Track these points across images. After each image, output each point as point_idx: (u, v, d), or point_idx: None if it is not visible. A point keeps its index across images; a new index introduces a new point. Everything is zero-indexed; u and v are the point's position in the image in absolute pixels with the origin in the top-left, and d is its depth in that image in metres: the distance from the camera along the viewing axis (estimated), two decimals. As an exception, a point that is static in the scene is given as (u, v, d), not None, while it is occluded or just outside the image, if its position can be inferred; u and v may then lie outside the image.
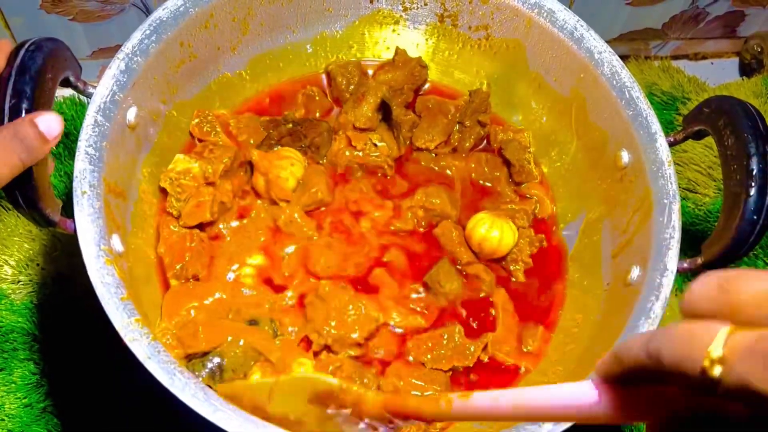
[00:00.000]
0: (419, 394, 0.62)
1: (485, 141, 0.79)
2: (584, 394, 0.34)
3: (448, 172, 0.76)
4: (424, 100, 0.79)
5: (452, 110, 0.77)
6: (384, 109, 0.76)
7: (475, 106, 0.76)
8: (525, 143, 0.77)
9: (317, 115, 0.77)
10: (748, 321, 0.26)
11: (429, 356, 0.64)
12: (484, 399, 0.38)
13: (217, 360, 0.61)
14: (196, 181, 0.67)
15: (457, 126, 0.77)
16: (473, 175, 0.76)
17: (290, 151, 0.71)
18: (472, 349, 0.65)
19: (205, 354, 0.61)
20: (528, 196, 0.76)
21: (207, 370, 0.61)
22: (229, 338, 0.62)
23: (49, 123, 0.50)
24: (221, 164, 0.68)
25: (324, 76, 0.80)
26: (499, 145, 0.78)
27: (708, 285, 0.27)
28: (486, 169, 0.77)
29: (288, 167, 0.69)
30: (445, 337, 0.65)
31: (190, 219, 0.66)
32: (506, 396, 0.37)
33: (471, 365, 0.65)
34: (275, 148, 0.72)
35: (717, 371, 0.25)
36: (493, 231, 0.69)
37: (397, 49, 0.79)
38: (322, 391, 0.49)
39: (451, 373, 0.65)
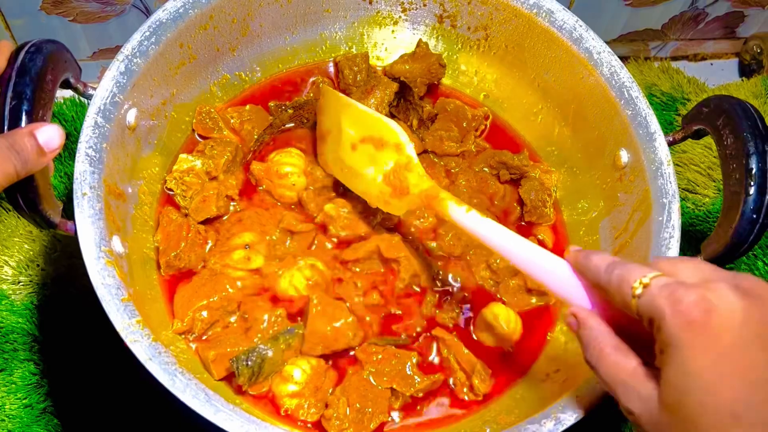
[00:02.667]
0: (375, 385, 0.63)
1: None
2: (560, 265, 0.50)
3: (463, 182, 0.75)
4: (444, 102, 0.78)
5: (469, 118, 0.77)
6: (400, 95, 0.76)
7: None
8: (548, 184, 0.75)
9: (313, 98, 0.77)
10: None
11: (373, 369, 0.63)
12: (493, 229, 0.56)
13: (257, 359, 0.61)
14: (199, 178, 0.68)
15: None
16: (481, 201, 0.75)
17: (290, 164, 0.70)
18: (416, 382, 0.63)
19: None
20: (534, 234, 0.74)
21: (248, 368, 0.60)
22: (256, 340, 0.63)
23: (50, 135, 0.50)
24: (222, 158, 0.69)
25: (332, 69, 0.81)
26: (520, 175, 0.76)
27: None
28: (496, 202, 0.75)
29: (289, 185, 0.70)
30: (397, 356, 0.64)
31: (197, 215, 0.67)
32: (505, 235, 0.55)
33: (407, 394, 0.63)
34: (276, 157, 0.71)
35: (638, 291, 0.41)
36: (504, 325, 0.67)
37: (420, 41, 0.79)
38: (388, 142, 0.65)
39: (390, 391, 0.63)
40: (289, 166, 0.70)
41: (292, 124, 0.75)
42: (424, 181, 0.63)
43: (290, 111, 0.74)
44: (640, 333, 0.44)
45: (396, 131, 0.65)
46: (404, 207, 0.64)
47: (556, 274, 0.50)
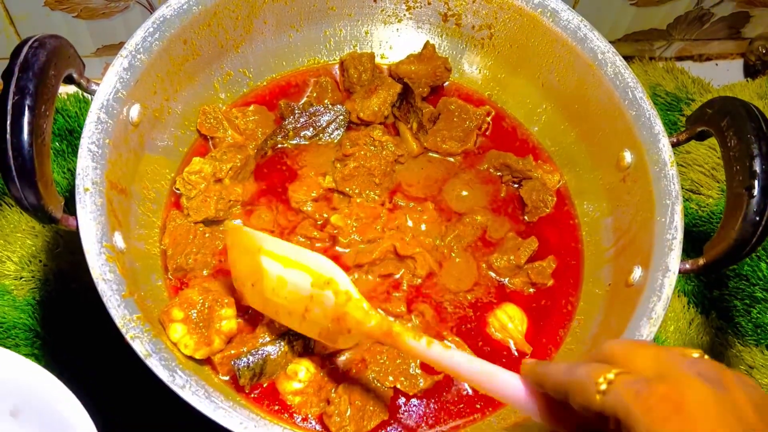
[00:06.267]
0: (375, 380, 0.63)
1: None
2: (516, 386, 0.47)
3: (464, 193, 0.75)
4: (447, 101, 0.78)
5: (472, 116, 0.77)
6: (403, 96, 0.76)
7: None
8: (550, 185, 0.75)
9: (326, 104, 0.77)
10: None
11: (378, 368, 0.63)
12: (456, 358, 0.51)
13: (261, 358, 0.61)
14: (205, 180, 0.68)
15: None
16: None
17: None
18: (420, 383, 0.63)
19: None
20: (537, 233, 0.73)
21: (248, 369, 0.60)
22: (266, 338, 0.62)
23: None
24: (230, 163, 0.69)
25: (337, 68, 0.80)
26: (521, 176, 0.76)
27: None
28: (501, 195, 0.75)
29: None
30: (401, 356, 0.64)
31: (196, 214, 0.67)
32: (474, 364, 0.50)
33: (411, 394, 0.63)
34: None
35: (603, 387, 0.39)
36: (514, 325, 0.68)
37: (427, 43, 0.79)
38: (317, 281, 0.56)
39: (393, 390, 0.63)
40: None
41: (298, 140, 0.74)
42: (371, 316, 0.55)
43: (297, 124, 0.73)
44: None
45: (324, 267, 0.56)
46: (355, 339, 0.57)
47: (516, 389, 0.48)
